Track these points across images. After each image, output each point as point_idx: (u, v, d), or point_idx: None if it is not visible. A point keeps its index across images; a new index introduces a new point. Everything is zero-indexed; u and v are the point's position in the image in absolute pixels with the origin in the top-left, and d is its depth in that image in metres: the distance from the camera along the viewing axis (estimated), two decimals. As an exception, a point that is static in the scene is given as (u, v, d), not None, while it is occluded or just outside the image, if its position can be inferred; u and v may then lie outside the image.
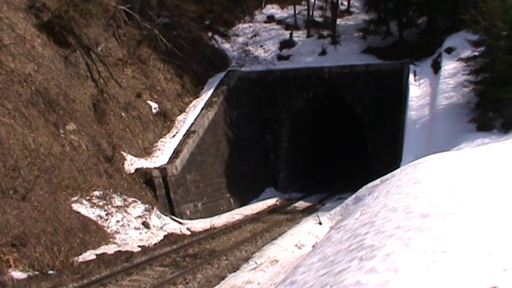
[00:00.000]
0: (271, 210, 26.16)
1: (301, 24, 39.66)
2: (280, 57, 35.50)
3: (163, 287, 13.47)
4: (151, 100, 26.10)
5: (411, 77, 27.85)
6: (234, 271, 14.50)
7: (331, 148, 36.92)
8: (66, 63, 22.21)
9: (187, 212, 23.20)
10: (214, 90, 29.08)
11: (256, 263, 14.50)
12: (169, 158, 23.55)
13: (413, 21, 34.86)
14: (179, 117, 26.75)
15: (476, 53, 23.69)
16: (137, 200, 20.05)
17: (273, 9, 42.11)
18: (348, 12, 42.00)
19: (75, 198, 17.99)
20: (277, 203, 28.50)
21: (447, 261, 5.53)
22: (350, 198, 16.87)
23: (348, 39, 36.29)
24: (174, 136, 25.16)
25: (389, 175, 15.43)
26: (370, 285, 5.44)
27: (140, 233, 18.44)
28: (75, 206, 17.60)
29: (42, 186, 16.78)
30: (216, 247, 17.95)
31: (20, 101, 18.28)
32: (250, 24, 39.82)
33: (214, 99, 28.30)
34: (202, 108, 27.50)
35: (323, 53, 35.12)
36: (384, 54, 32.72)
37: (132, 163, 22.03)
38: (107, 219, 18.08)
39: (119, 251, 16.39)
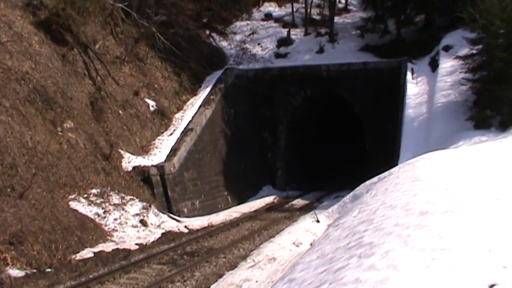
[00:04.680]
0: (269, 208, 26.14)
1: (298, 22, 39.61)
2: (278, 55, 35.44)
3: (161, 284, 13.46)
4: (148, 98, 26.04)
5: (409, 75, 27.83)
6: (232, 269, 14.49)
7: (328, 146, 36.88)
8: (63, 61, 22.16)
9: (185, 210, 23.19)
10: (211, 88, 29.01)
11: (254, 260, 14.50)
12: (167, 156, 23.50)
13: (411, 19, 34.82)
14: (177, 115, 26.71)
15: (474, 51, 23.65)
16: (135, 198, 20.02)
17: (270, 7, 42.07)
18: (345, 10, 42.00)
19: (73, 196, 17.95)
20: (275, 201, 28.48)
21: (447, 258, 5.53)
22: (348, 196, 16.86)
23: (346, 37, 36.24)
24: (171, 134, 25.12)
25: (387, 173, 15.42)
26: (370, 283, 5.43)
27: (138, 231, 18.42)
28: (73, 204, 17.57)
29: (39, 184, 16.74)
30: (214, 245, 17.94)
31: (17, 99, 18.22)
32: (248, 22, 39.76)
33: (211, 97, 28.23)
34: (199, 106, 27.43)
35: (321, 51, 35.08)
36: (381, 52, 32.68)
37: (130, 161, 22.00)
38: (105, 217, 18.06)
39: (117, 248, 16.36)
